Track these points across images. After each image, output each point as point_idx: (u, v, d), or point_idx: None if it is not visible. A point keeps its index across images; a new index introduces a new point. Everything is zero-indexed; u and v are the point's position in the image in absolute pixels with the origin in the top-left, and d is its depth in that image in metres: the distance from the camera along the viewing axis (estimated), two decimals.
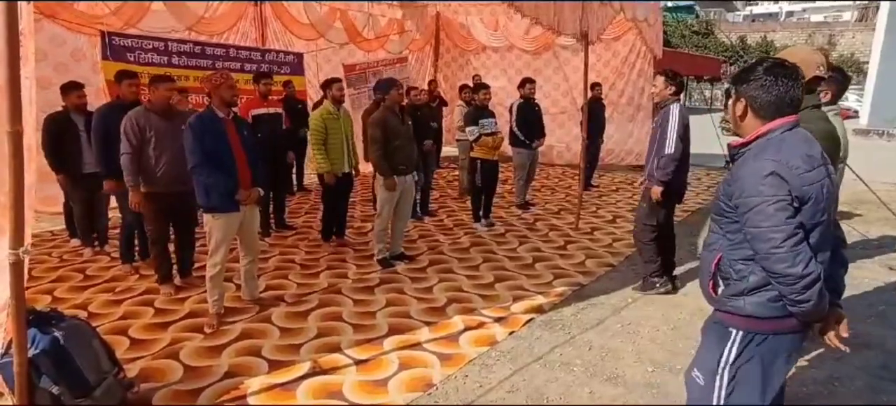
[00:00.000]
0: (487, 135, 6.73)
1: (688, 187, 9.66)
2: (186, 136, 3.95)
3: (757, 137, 1.95)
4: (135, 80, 5.12)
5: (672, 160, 4.52)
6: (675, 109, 4.59)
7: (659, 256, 4.86)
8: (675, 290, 4.90)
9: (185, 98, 6.45)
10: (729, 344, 2.02)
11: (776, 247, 1.79)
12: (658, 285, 4.86)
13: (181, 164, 4.45)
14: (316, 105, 7.28)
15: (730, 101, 2.07)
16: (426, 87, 9.59)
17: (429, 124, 7.46)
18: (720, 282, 2.05)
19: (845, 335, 2.01)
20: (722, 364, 2.03)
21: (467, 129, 6.83)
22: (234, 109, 4.20)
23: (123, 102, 4.96)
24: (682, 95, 4.86)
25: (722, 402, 2.02)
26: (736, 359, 2.00)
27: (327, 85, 6.16)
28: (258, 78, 6.42)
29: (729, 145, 2.04)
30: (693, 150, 4.89)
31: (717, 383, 2.03)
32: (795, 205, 1.81)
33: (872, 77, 20.43)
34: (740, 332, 1.99)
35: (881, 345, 3.93)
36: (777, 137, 1.91)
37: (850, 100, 24.23)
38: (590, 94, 8.01)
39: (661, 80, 4.75)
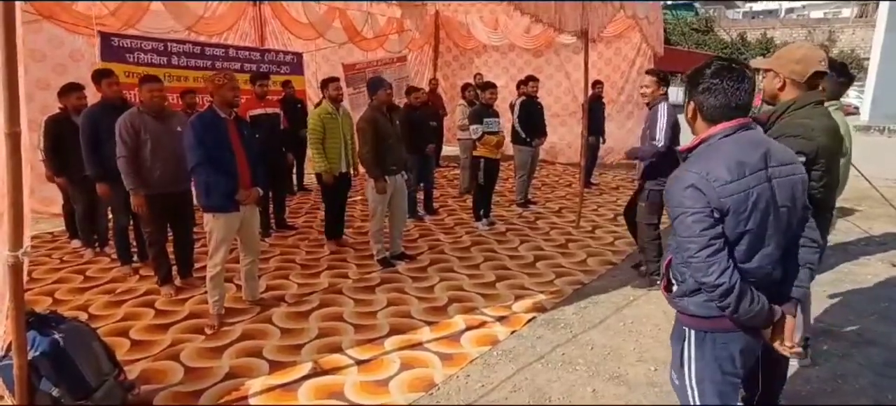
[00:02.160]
0: (491, 133, 6.72)
1: None
2: (187, 135, 3.94)
3: (700, 142, 1.97)
4: (113, 78, 5.07)
5: (656, 151, 4.57)
6: (662, 107, 4.67)
7: (661, 255, 4.85)
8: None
9: (193, 98, 6.44)
10: (686, 343, 2.07)
11: (692, 256, 1.86)
12: (659, 282, 4.85)
13: (177, 165, 4.45)
14: (317, 105, 7.26)
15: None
16: (427, 86, 9.59)
17: (428, 124, 7.45)
18: (674, 282, 2.09)
19: (788, 345, 1.99)
20: (685, 363, 2.07)
21: (471, 127, 6.82)
22: (235, 110, 4.18)
23: (111, 102, 4.92)
24: (670, 95, 4.94)
25: (697, 402, 2.05)
26: (695, 356, 2.04)
27: (325, 84, 6.14)
28: (255, 79, 6.40)
29: (679, 150, 2.01)
30: None
31: (687, 382, 2.08)
32: (716, 215, 1.83)
33: (873, 73, 20.42)
34: (693, 332, 2.04)
35: (885, 342, 3.92)
36: (715, 143, 1.92)
37: (850, 96, 24.20)
38: (590, 92, 8.00)
39: (651, 80, 4.79)
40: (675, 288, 2.08)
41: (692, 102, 2.00)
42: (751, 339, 1.99)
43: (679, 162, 4.04)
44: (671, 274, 2.10)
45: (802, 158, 2.44)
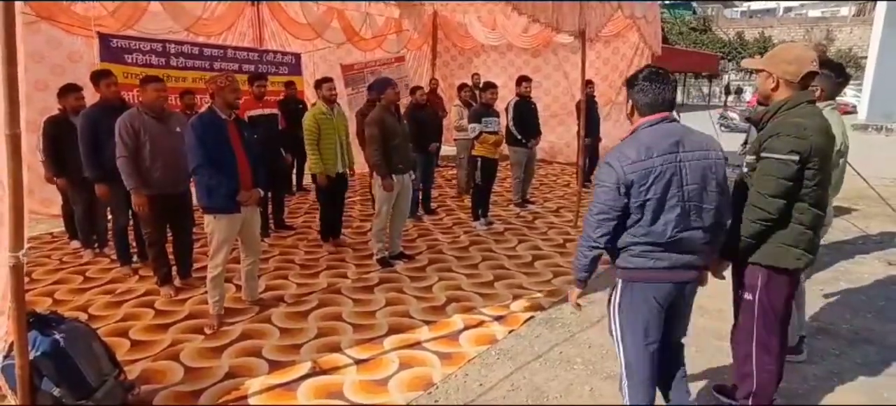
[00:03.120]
0: (489, 132, 6.73)
1: None
2: (188, 136, 3.95)
3: (633, 131, 2.47)
4: (111, 79, 5.08)
5: None
6: None
7: None
8: None
9: (192, 98, 6.46)
10: (615, 290, 2.57)
11: (591, 215, 2.43)
12: None
13: (176, 166, 4.46)
14: (313, 106, 7.28)
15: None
16: (427, 86, 9.60)
17: (431, 123, 7.48)
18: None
19: (721, 273, 2.74)
20: (612, 305, 2.59)
21: (470, 125, 6.84)
22: (235, 111, 4.19)
23: (109, 103, 4.93)
24: None
25: (618, 333, 2.58)
26: (619, 301, 2.55)
27: (318, 85, 6.14)
28: (253, 80, 6.41)
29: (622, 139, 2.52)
30: None
31: (612, 321, 2.61)
32: (622, 191, 2.33)
33: (870, 72, 20.45)
34: (621, 281, 2.54)
35: (881, 340, 3.94)
36: (640, 132, 2.42)
37: (848, 95, 24.23)
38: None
39: None
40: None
41: (630, 100, 2.49)
42: (665, 288, 2.47)
43: None
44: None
45: (796, 157, 2.46)
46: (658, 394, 2.70)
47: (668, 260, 2.40)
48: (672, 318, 2.59)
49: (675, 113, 2.49)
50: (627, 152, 2.35)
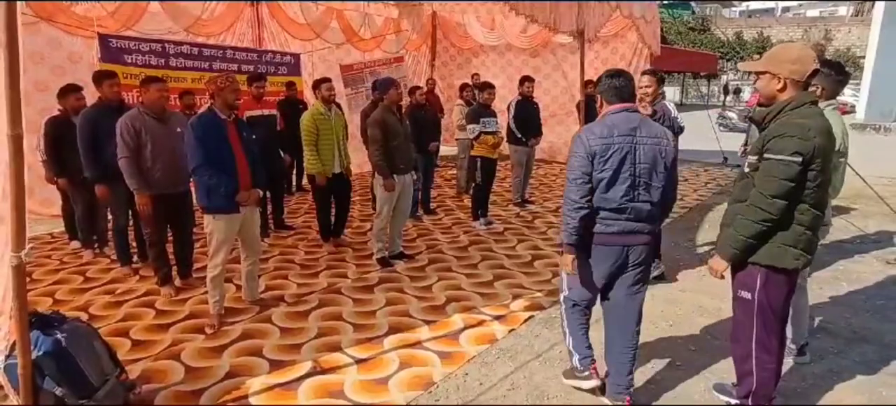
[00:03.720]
0: (488, 133, 6.74)
1: (684, 183, 9.66)
2: (188, 136, 3.95)
3: (603, 116, 2.98)
4: (115, 80, 5.08)
5: (682, 129, 4.86)
6: (667, 103, 4.83)
7: (659, 253, 4.98)
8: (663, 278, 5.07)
9: (192, 99, 6.46)
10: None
11: (569, 181, 2.89)
12: (653, 272, 4.95)
13: (177, 166, 4.47)
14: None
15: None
16: (425, 86, 9.60)
17: (431, 123, 7.49)
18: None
19: (720, 273, 2.84)
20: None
21: (469, 126, 6.85)
22: (234, 111, 4.20)
23: (108, 104, 4.94)
24: (668, 94, 5.09)
25: (564, 274, 3.10)
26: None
27: (317, 85, 6.14)
28: (251, 80, 6.41)
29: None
30: (690, 146, 4.96)
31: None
32: (589, 158, 2.83)
33: (868, 72, 20.47)
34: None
35: (879, 339, 3.96)
36: (608, 117, 2.93)
37: (846, 94, 24.25)
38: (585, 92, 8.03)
39: (651, 79, 4.82)
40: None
41: (598, 95, 3.05)
42: (616, 250, 2.91)
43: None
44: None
45: (799, 159, 2.47)
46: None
47: (618, 225, 2.87)
48: (618, 279, 3.02)
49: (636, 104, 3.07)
50: (595, 130, 2.90)
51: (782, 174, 2.51)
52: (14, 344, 2.52)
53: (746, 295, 2.78)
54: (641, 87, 4.75)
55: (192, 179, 4.26)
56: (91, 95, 5.30)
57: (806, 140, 2.48)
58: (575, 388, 3.27)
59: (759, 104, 2.80)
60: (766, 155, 2.57)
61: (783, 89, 2.62)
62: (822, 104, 3.10)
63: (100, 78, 5.04)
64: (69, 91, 5.42)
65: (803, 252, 2.64)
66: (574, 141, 2.95)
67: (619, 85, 2.97)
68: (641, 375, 3.49)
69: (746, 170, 2.74)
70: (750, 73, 2.94)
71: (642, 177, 2.84)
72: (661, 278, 5.01)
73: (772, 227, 2.59)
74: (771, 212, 2.55)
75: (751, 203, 2.62)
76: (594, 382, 3.18)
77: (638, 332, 3.09)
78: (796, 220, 2.59)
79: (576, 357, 3.18)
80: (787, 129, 2.51)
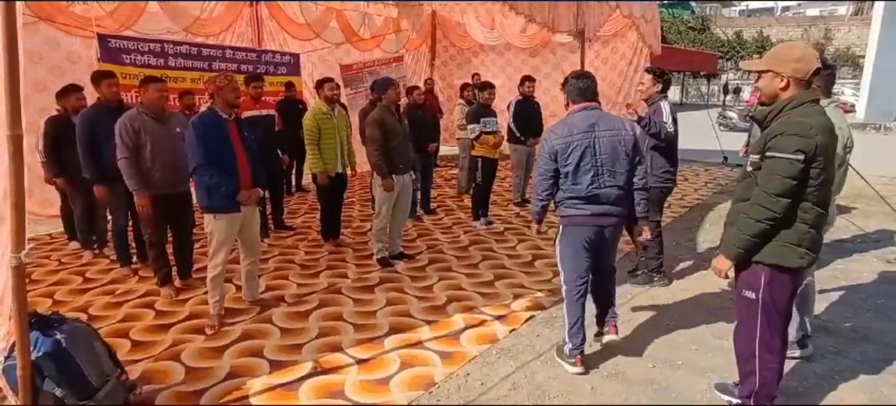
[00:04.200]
0: (488, 133, 6.74)
1: (685, 183, 9.65)
2: (189, 136, 3.93)
3: (567, 115, 3.43)
4: (113, 80, 5.06)
5: (665, 130, 4.60)
6: (664, 103, 4.70)
7: (661, 252, 4.96)
8: (669, 282, 5.03)
9: (191, 99, 6.46)
10: (559, 232, 3.54)
11: (537, 177, 3.48)
12: (657, 279, 4.92)
13: (177, 166, 4.46)
14: None
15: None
16: (423, 86, 9.59)
17: (429, 123, 7.48)
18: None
19: (724, 273, 2.86)
20: (557, 242, 3.57)
21: (469, 126, 6.84)
22: (235, 110, 4.19)
23: (107, 104, 4.92)
24: (669, 93, 4.92)
25: (559, 260, 3.56)
26: (561, 239, 3.52)
27: (320, 85, 6.12)
28: (249, 81, 6.39)
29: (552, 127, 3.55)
30: (690, 145, 4.94)
31: (557, 253, 3.59)
32: (552, 156, 3.34)
33: (868, 71, 20.50)
34: (561, 226, 3.51)
35: (880, 338, 3.95)
36: (571, 116, 3.40)
37: (846, 94, 24.26)
38: None
39: (648, 78, 4.81)
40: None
41: (564, 94, 3.53)
42: (591, 230, 3.38)
43: (675, 157, 4.82)
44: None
45: (802, 156, 2.47)
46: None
47: (589, 210, 3.34)
48: (599, 253, 3.52)
49: (597, 102, 3.50)
50: (556, 130, 3.38)
51: (785, 172, 2.50)
52: (13, 345, 2.52)
53: (750, 294, 2.77)
54: (639, 85, 4.75)
55: (192, 179, 4.25)
56: (90, 96, 5.29)
57: (808, 138, 2.47)
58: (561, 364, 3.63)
59: (761, 103, 2.79)
60: (768, 153, 2.57)
61: (785, 88, 2.62)
62: (824, 102, 3.10)
63: (98, 78, 5.03)
64: (70, 91, 5.42)
65: (808, 251, 2.63)
66: (543, 141, 3.62)
67: (582, 86, 3.42)
68: (642, 374, 3.48)
69: (749, 168, 2.73)
70: (752, 71, 2.92)
71: (605, 166, 3.30)
72: (661, 276, 5.01)
73: (775, 225, 2.59)
74: (774, 210, 2.55)
75: (754, 202, 2.61)
76: (578, 370, 3.49)
77: (613, 282, 3.75)
78: (800, 219, 2.59)
79: (568, 345, 3.52)
80: (789, 128, 2.51)
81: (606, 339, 3.67)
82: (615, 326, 3.65)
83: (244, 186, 4.05)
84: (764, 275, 2.70)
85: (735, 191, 2.93)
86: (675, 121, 4.71)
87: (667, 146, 4.68)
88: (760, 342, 2.79)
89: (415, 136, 6.57)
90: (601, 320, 3.74)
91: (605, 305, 3.72)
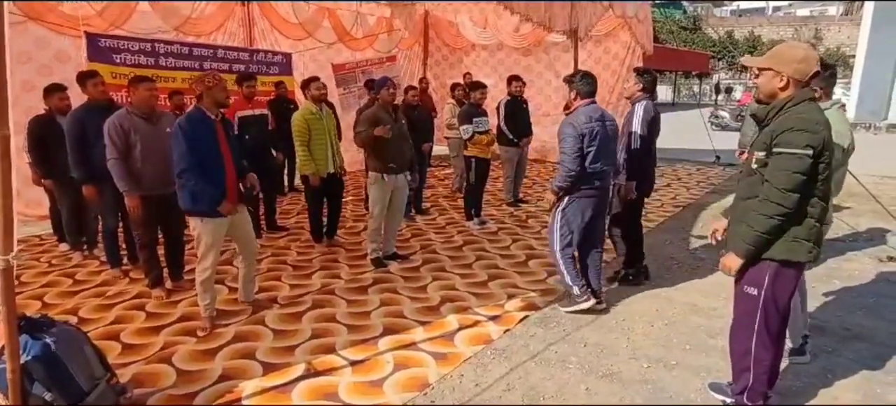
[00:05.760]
0: (481, 133, 6.73)
1: (677, 182, 9.68)
2: (176, 138, 3.87)
3: (577, 108, 4.17)
4: (98, 79, 5.02)
5: (638, 142, 4.68)
6: (639, 105, 4.70)
7: (634, 250, 5.05)
8: (648, 277, 5.06)
9: (181, 99, 6.41)
10: (562, 202, 4.25)
11: (568, 156, 4.06)
12: (631, 277, 5.01)
13: (167, 166, 4.38)
14: None
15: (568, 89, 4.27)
16: (419, 85, 9.58)
17: (424, 123, 7.47)
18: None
19: (732, 271, 2.85)
20: (557, 211, 4.29)
21: (462, 127, 6.81)
22: (222, 111, 4.15)
23: (95, 104, 4.88)
24: (654, 92, 4.96)
25: (557, 226, 4.29)
26: (565, 207, 4.24)
27: (306, 85, 6.08)
28: (241, 80, 6.35)
29: (566, 107, 4.34)
30: (683, 145, 4.99)
31: (554, 219, 4.33)
32: (581, 139, 4.02)
33: (859, 71, 20.61)
34: (566, 197, 4.21)
35: (873, 337, 3.97)
36: (582, 109, 4.14)
37: (837, 93, 24.39)
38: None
39: (634, 78, 4.85)
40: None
41: (573, 90, 4.21)
42: (592, 201, 4.22)
43: (653, 155, 5.01)
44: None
45: (811, 151, 2.49)
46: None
47: (591, 185, 4.16)
48: (593, 221, 4.29)
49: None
50: (580, 118, 4.09)
51: (795, 167, 2.51)
52: (2, 348, 2.48)
53: (752, 291, 2.77)
54: (624, 84, 4.84)
55: (178, 181, 4.20)
56: (78, 96, 5.22)
57: (816, 133, 2.50)
58: (576, 312, 4.30)
59: (758, 101, 2.80)
60: (776, 149, 2.57)
61: (784, 87, 2.64)
62: (826, 104, 3.13)
63: (83, 78, 4.99)
64: (53, 90, 5.36)
65: (815, 245, 2.66)
66: (564, 126, 4.12)
67: (589, 83, 4.19)
68: (637, 375, 3.48)
69: (754, 166, 2.72)
70: (749, 67, 2.92)
71: (604, 150, 4.13)
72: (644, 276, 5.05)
73: (786, 221, 2.59)
74: (786, 206, 2.55)
75: (765, 198, 2.61)
76: (591, 303, 4.25)
77: (602, 251, 4.48)
78: (809, 214, 2.60)
79: (575, 288, 4.26)
80: (796, 123, 2.52)
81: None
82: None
83: (229, 187, 4.00)
84: (769, 271, 2.71)
85: (737, 189, 2.93)
86: (654, 120, 4.72)
87: (648, 152, 4.70)
88: (757, 339, 2.80)
89: (413, 135, 6.54)
90: (597, 293, 4.37)
91: (594, 273, 4.41)
